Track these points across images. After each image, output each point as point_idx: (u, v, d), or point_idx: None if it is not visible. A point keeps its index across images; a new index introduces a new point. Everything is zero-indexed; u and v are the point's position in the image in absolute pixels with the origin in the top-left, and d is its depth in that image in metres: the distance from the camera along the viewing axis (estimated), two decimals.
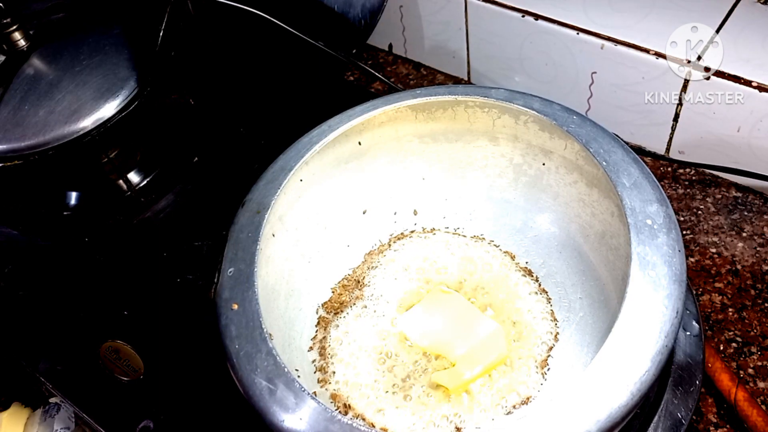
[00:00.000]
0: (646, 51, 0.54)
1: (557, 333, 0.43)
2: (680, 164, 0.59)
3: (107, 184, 0.59)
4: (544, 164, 0.47)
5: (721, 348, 0.47)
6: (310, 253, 0.47)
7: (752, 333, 0.47)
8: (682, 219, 0.55)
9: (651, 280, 0.34)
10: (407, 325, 0.44)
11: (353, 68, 0.73)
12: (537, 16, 0.59)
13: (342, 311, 0.46)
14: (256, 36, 0.58)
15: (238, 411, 0.42)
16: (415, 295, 0.46)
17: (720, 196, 0.56)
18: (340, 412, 0.39)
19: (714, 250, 0.52)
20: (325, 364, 0.43)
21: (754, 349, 0.47)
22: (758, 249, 0.52)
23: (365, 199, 0.50)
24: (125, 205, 0.58)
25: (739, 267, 0.51)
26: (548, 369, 0.41)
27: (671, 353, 0.36)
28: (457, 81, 0.71)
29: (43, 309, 0.52)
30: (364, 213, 0.51)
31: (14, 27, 0.52)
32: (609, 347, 0.32)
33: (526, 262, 0.47)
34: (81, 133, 0.50)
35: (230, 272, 0.39)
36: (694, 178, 0.58)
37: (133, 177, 0.59)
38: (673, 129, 0.57)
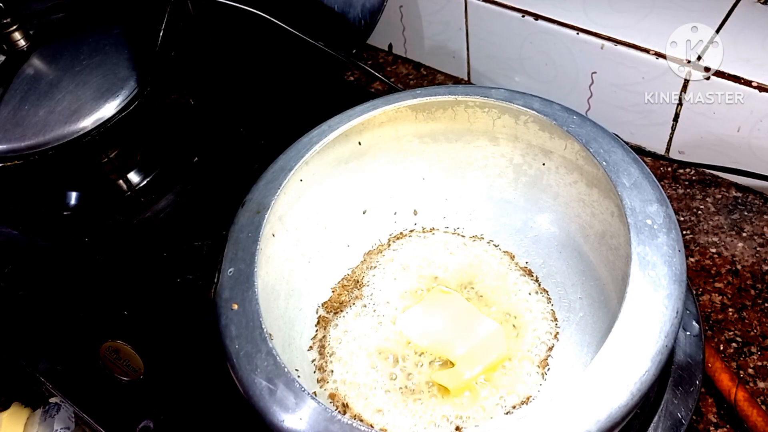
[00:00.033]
0: (646, 51, 0.54)
1: (557, 333, 0.43)
2: (680, 164, 0.59)
3: (107, 184, 0.59)
4: (544, 164, 0.47)
5: (721, 348, 0.47)
6: (310, 253, 0.47)
7: (752, 333, 0.47)
8: (682, 219, 0.55)
9: (651, 280, 0.34)
10: (407, 324, 0.44)
11: (353, 68, 0.73)
12: (537, 16, 0.59)
13: (342, 311, 0.46)
14: (256, 36, 0.58)
15: (238, 411, 0.42)
16: (415, 294, 0.46)
17: (720, 196, 0.56)
18: (339, 411, 0.39)
19: (714, 250, 0.52)
20: (324, 363, 0.43)
21: (754, 349, 0.47)
22: (758, 249, 0.52)
23: (365, 199, 0.50)
24: (125, 205, 0.58)
25: (739, 267, 0.51)
26: (548, 369, 0.41)
27: (671, 353, 0.36)
28: (457, 81, 0.71)
29: (43, 309, 0.51)
30: (364, 213, 0.51)
31: (14, 27, 0.52)
32: (609, 347, 0.32)
33: (526, 262, 0.47)
34: (81, 133, 0.50)
35: (230, 272, 0.39)
36: (694, 178, 0.58)
37: (133, 177, 0.59)
38: (673, 129, 0.57)
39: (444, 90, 0.47)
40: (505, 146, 0.48)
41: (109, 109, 0.51)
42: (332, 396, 0.41)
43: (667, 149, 0.59)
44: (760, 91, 0.50)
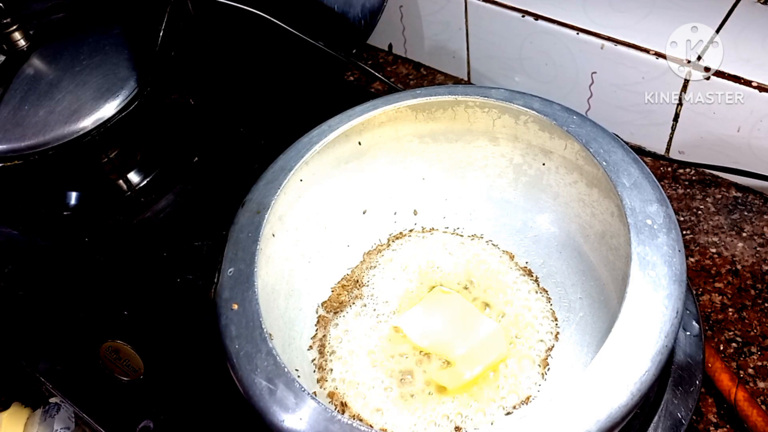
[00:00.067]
0: (646, 51, 0.54)
1: (557, 333, 0.43)
2: (680, 164, 0.59)
3: (107, 184, 0.59)
4: (544, 164, 0.47)
5: (721, 348, 0.47)
6: (310, 253, 0.47)
7: (752, 333, 0.47)
8: (682, 219, 0.55)
9: (651, 280, 0.34)
10: (407, 324, 0.44)
11: (353, 68, 0.73)
12: (537, 16, 0.59)
13: (342, 310, 0.46)
14: (256, 36, 0.58)
15: (238, 411, 0.42)
16: (415, 294, 0.46)
17: (720, 196, 0.56)
18: (338, 410, 0.39)
19: (714, 250, 0.52)
20: (323, 362, 0.43)
21: (754, 349, 0.47)
22: (758, 249, 0.52)
23: (365, 199, 0.50)
24: (125, 205, 0.58)
25: (739, 267, 0.51)
26: (548, 369, 0.41)
27: (671, 353, 0.36)
28: (457, 81, 0.71)
29: (43, 309, 0.51)
30: (364, 213, 0.51)
31: (14, 27, 0.52)
32: (609, 347, 0.32)
33: (526, 262, 0.47)
34: (81, 133, 0.50)
35: (230, 272, 0.39)
36: (694, 178, 0.58)
37: (133, 177, 0.59)
38: (673, 129, 0.57)
39: (444, 90, 0.47)
40: (505, 146, 0.48)
41: (109, 109, 0.51)
42: (331, 395, 0.41)
43: (667, 149, 0.59)
44: (760, 91, 0.50)
